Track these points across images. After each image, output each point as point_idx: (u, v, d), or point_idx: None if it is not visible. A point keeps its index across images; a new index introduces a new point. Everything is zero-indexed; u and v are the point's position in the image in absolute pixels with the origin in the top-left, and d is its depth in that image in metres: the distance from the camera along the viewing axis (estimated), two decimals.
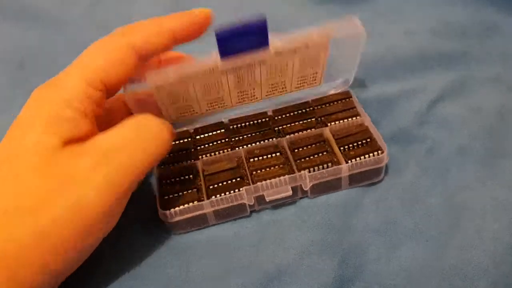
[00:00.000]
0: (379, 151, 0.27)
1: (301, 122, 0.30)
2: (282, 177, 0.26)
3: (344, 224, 0.26)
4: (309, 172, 0.27)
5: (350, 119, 0.30)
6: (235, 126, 0.31)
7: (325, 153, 0.28)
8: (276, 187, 0.26)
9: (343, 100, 0.32)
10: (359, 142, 0.28)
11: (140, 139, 0.23)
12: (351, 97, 0.32)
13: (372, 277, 0.24)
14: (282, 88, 0.30)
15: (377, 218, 0.26)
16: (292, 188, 0.26)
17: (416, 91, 0.33)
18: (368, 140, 0.28)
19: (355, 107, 0.31)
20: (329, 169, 0.27)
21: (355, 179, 0.27)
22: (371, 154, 0.27)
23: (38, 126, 0.22)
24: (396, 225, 0.26)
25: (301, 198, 0.28)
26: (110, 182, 0.21)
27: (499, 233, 0.25)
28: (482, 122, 0.31)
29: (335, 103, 0.31)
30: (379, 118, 0.32)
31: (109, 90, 0.24)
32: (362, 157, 0.27)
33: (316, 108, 0.31)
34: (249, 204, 0.27)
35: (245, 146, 0.29)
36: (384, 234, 0.26)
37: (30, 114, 0.23)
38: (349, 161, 0.27)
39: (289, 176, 0.26)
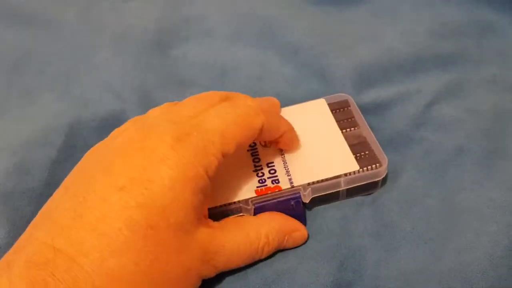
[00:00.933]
0: (377, 164, 0.27)
1: None
2: (283, 191, 0.27)
3: (342, 228, 0.26)
4: (308, 185, 0.27)
5: (348, 129, 0.30)
6: None
7: None
8: None
9: (341, 110, 0.32)
10: (357, 155, 0.28)
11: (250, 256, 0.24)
12: (349, 106, 0.32)
13: (370, 281, 0.24)
14: None
15: (375, 222, 0.27)
16: None
17: (413, 93, 0.33)
18: (367, 152, 0.28)
19: (353, 117, 0.31)
20: (327, 182, 0.27)
21: (353, 191, 0.28)
22: (369, 167, 0.27)
23: (183, 199, 0.21)
24: (394, 228, 0.26)
25: None
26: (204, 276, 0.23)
27: (497, 235, 0.25)
28: (478, 123, 0.31)
29: (333, 112, 0.31)
30: (375, 121, 0.32)
31: None
32: (361, 170, 0.27)
33: None
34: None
35: None
36: (382, 238, 0.26)
37: (177, 180, 0.21)
38: (347, 175, 0.27)
39: (290, 189, 0.27)
